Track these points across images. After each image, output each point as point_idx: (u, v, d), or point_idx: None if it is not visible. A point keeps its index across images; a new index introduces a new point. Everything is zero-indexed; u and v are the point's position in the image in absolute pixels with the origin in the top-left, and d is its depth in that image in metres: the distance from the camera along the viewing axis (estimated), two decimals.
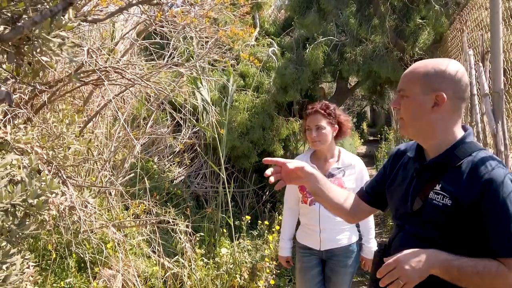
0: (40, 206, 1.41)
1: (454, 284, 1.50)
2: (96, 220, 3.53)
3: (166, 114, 6.16)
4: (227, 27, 4.44)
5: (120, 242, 3.92)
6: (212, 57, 4.35)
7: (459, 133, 1.62)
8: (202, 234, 4.45)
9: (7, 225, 1.37)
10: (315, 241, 3.02)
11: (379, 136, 12.55)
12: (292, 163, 1.84)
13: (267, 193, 6.95)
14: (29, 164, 1.58)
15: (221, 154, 4.53)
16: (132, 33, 4.60)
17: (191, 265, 4.01)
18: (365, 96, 13.81)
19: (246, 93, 6.26)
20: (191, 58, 4.41)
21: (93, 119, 4.15)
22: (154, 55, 4.54)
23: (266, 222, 4.99)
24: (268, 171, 1.82)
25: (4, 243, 1.60)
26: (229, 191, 4.43)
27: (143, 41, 3.85)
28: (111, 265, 3.97)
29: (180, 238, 3.99)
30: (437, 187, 1.57)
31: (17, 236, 1.40)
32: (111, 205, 4.34)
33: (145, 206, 4.27)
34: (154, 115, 4.85)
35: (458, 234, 1.53)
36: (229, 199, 4.45)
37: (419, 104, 1.58)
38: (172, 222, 3.72)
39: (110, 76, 3.52)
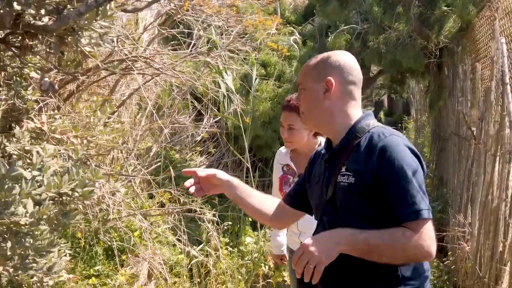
0: (86, 196, 1.43)
1: (368, 259, 1.48)
2: (124, 208, 3.57)
3: (188, 103, 6.18)
4: (251, 16, 4.42)
5: (147, 230, 3.96)
6: (236, 46, 4.34)
7: (357, 115, 1.66)
8: (230, 223, 4.47)
9: (53, 215, 1.39)
10: (296, 244, 2.77)
11: (399, 125, 12.43)
12: (203, 172, 1.84)
13: None
14: (74, 155, 1.60)
15: (245, 143, 4.53)
16: (156, 22, 4.60)
17: (218, 253, 4.03)
18: (384, 84, 13.70)
19: (267, 83, 6.24)
20: (214, 48, 4.41)
21: (119, 108, 4.18)
22: (180, 44, 4.54)
23: None
24: (187, 182, 1.83)
25: (46, 232, 1.62)
26: (254, 180, 4.43)
27: (171, 30, 3.85)
28: (138, 253, 4.02)
29: (207, 227, 4.01)
30: (343, 169, 1.59)
31: (63, 225, 1.42)
32: (136, 193, 4.39)
33: (171, 195, 4.31)
34: (178, 104, 4.87)
35: (369, 212, 1.52)
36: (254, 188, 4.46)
37: (313, 93, 1.64)
38: (199, 211, 3.74)
39: (136, 65, 3.53)
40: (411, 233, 1.44)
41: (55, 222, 1.41)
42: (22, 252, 1.48)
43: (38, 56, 2.34)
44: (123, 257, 3.95)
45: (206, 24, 4.20)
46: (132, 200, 4.26)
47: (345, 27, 6.14)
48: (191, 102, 6.21)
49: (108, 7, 1.58)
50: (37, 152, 1.43)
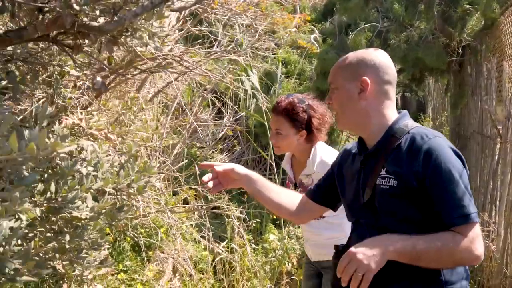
0: (141, 191, 1.47)
1: (416, 265, 1.46)
2: (153, 205, 3.62)
3: (208, 101, 6.23)
4: (276, 14, 4.45)
5: (175, 227, 4.01)
6: (262, 44, 4.37)
7: (393, 115, 1.62)
8: (258, 220, 4.50)
9: (110, 209, 1.43)
10: (307, 250, 2.67)
11: None
12: (221, 166, 1.83)
13: None
14: (128, 150, 1.64)
15: (269, 140, 4.56)
16: (180, 21, 4.64)
17: (245, 249, 4.07)
18: (400, 83, 13.57)
19: (288, 81, 6.26)
20: (238, 46, 4.43)
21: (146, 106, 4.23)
22: (202, 43, 4.57)
23: None
24: (205, 177, 1.82)
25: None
26: (279, 178, 4.46)
27: (201, 28, 3.89)
28: (164, 249, 4.08)
29: (234, 224, 4.05)
30: (383, 171, 1.55)
31: (118, 220, 1.46)
32: (161, 191, 4.44)
33: (196, 192, 4.35)
34: (203, 101, 4.91)
35: (413, 215, 1.50)
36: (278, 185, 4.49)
37: (347, 93, 1.60)
38: (227, 208, 3.78)
39: (163, 64, 3.57)
40: (460, 237, 1.43)
41: (110, 217, 1.45)
42: (77, 246, 1.52)
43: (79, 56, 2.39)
44: (150, 253, 4.00)
45: (233, 22, 4.23)
46: (159, 197, 4.31)
47: (365, 25, 6.13)
48: (211, 100, 6.26)
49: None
50: (92, 148, 1.47)
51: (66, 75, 2.54)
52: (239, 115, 6.15)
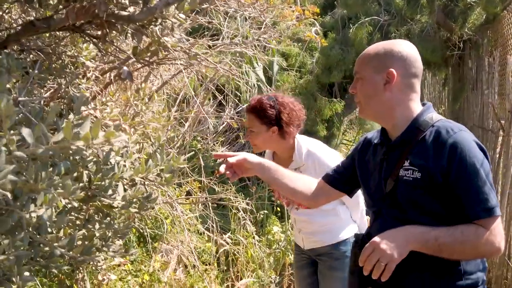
0: (169, 181, 1.49)
1: (437, 256, 1.49)
2: (160, 196, 3.63)
3: (209, 94, 6.22)
4: (284, 6, 4.45)
5: (180, 219, 4.03)
6: (266, 37, 4.37)
7: (417, 108, 1.63)
8: (265, 211, 4.52)
9: (138, 198, 1.45)
10: (299, 239, 2.66)
11: None
12: (233, 157, 1.86)
13: None
14: (156, 140, 1.65)
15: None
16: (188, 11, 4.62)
17: (249, 241, 4.10)
18: None
19: (288, 73, 6.27)
20: (245, 38, 4.43)
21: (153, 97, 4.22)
22: (203, 36, 4.57)
23: None
24: (222, 168, 1.84)
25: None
26: None
27: (210, 20, 3.89)
28: (169, 240, 4.09)
29: (240, 216, 4.07)
30: (406, 163, 1.57)
31: (146, 209, 1.47)
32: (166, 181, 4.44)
33: (200, 183, 4.37)
34: (207, 94, 4.91)
35: (435, 208, 1.52)
36: None
37: (372, 84, 1.61)
38: (233, 200, 3.80)
39: (169, 55, 3.57)
40: (483, 230, 1.46)
41: (138, 205, 1.47)
42: (103, 235, 1.53)
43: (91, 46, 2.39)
44: (155, 244, 4.02)
45: (239, 15, 4.23)
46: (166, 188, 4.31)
47: (366, 19, 6.16)
48: (212, 92, 6.25)
49: None
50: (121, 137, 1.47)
51: (80, 66, 2.54)
52: (240, 107, 6.16)
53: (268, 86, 4.74)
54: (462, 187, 1.48)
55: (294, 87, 6.20)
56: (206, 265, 4.30)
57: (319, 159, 2.42)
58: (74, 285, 3.05)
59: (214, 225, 4.39)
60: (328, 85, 6.69)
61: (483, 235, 1.46)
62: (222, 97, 6.23)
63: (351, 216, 2.58)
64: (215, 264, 4.27)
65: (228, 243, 4.33)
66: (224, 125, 6.02)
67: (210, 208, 4.33)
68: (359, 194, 2.32)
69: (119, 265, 3.61)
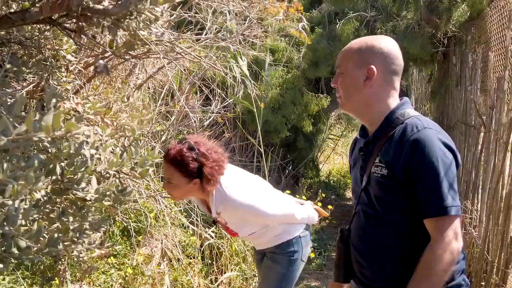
0: (144, 174, 1.50)
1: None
2: (143, 190, 3.64)
3: (196, 88, 6.22)
4: (269, 2, 4.45)
5: (165, 212, 4.04)
6: (250, 32, 4.37)
7: (393, 104, 1.64)
8: None
9: (112, 191, 1.46)
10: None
11: None
12: None
13: (290, 167, 7.07)
14: (131, 134, 1.66)
15: (258, 128, 4.60)
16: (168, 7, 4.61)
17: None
18: None
19: (276, 69, 6.28)
20: (229, 33, 4.43)
21: (136, 91, 4.22)
22: (189, 30, 4.56)
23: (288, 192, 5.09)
24: None
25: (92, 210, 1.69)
26: (266, 165, 4.50)
27: (195, 14, 3.88)
28: (153, 234, 4.10)
29: None
30: (377, 160, 1.60)
31: (120, 202, 1.49)
32: (150, 176, 4.45)
33: None
34: (193, 88, 4.91)
35: (403, 204, 1.54)
36: (266, 173, 4.53)
37: (353, 79, 1.63)
38: None
39: (150, 49, 3.56)
40: (433, 244, 1.47)
41: (112, 198, 1.48)
42: (79, 227, 1.55)
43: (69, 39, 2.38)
44: (139, 237, 4.03)
45: (224, 9, 4.22)
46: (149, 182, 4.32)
47: (353, 14, 6.18)
48: (198, 87, 6.25)
49: None
50: (96, 131, 1.49)
51: (61, 59, 2.53)
52: (227, 102, 6.17)
53: (252, 81, 4.73)
54: (420, 185, 1.49)
55: (281, 82, 6.21)
56: (191, 258, 4.31)
57: (231, 203, 2.33)
58: (55, 277, 3.06)
59: (199, 219, 4.41)
60: (314, 80, 6.71)
61: (435, 249, 1.47)
62: (208, 90, 6.24)
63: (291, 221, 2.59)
64: (199, 258, 4.29)
65: (212, 237, 4.35)
66: (210, 119, 6.03)
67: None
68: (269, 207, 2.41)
69: (102, 258, 3.62)
